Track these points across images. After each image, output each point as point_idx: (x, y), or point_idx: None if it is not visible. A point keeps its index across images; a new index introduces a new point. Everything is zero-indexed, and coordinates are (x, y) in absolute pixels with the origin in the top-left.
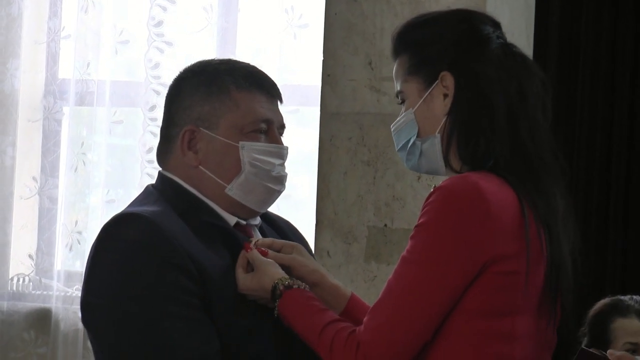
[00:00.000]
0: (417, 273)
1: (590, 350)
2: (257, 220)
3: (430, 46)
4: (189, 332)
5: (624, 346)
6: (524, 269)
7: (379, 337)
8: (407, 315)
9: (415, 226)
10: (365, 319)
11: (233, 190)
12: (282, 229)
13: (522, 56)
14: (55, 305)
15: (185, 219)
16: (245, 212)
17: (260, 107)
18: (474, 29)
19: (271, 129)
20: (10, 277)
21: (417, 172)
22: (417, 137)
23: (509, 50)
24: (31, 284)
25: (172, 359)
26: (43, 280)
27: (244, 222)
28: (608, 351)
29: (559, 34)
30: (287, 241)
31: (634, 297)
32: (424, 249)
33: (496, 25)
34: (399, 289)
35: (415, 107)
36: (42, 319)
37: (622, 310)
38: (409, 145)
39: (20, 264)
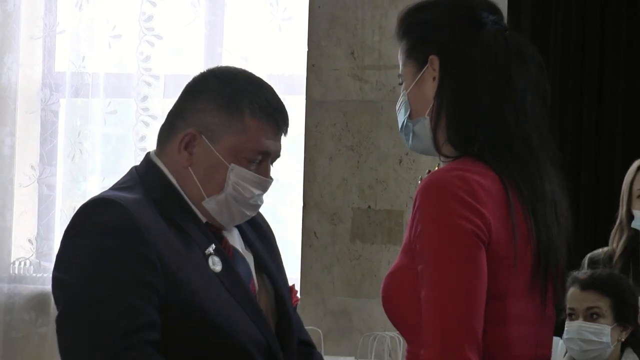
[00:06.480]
0: (443, 278)
1: None
2: None
3: (423, 30)
4: (131, 320)
5: (568, 311)
6: (512, 253)
7: (442, 349)
8: (456, 318)
9: (416, 236)
10: (424, 339)
11: (210, 204)
12: (261, 227)
13: (517, 43)
14: None
15: (160, 209)
16: (214, 224)
17: (266, 139)
18: (469, 13)
19: (265, 161)
20: (11, 261)
21: (415, 152)
22: (409, 118)
23: (502, 36)
24: (31, 267)
25: (97, 339)
26: (43, 263)
27: None
28: None
29: (531, 15)
30: None
31: (590, 270)
32: (436, 256)
33: (495, 11)
34: (434, 300)
35: (409, 89)
36: (42, 301)
37: (571, 282)
38: (404, 127)
39: (20, 249)
